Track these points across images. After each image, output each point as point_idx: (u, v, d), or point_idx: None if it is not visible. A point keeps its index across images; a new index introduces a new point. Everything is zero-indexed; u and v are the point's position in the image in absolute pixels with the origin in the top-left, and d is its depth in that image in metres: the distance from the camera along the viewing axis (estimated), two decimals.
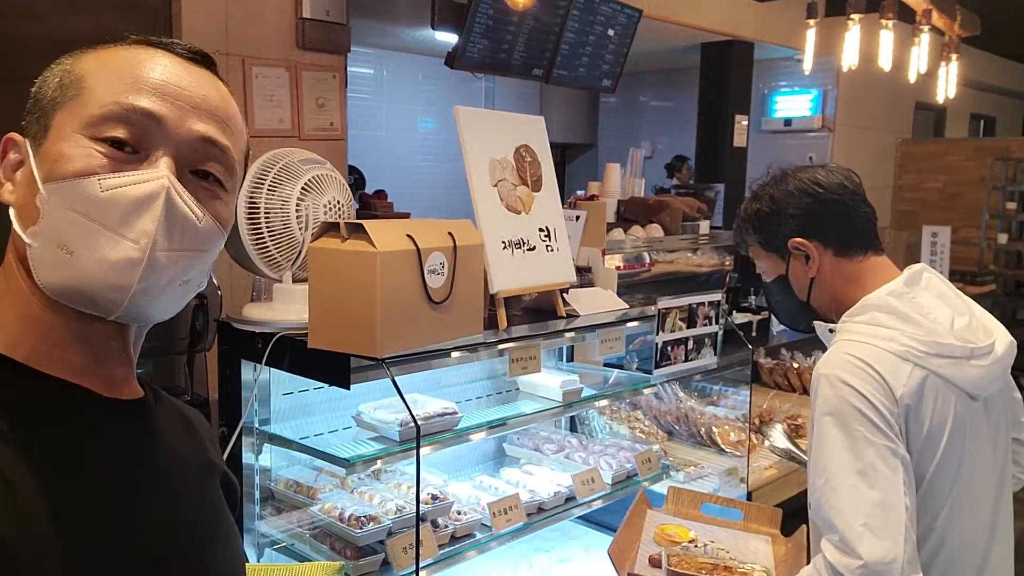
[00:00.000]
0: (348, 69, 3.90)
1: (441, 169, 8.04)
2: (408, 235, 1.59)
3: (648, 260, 3.43)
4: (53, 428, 0.72)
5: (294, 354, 1.71)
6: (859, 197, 1.53)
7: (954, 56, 5.60)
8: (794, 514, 2.02)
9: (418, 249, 1.59)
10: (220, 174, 0.78)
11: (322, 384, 2.04)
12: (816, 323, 1.57)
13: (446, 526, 1.86)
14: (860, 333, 1.39)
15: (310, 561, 1.75)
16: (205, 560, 0.80)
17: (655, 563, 1.74)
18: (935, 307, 1.41)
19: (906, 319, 1.37)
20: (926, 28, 5.14)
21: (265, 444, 1.89)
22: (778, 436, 2.11)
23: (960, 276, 6.77)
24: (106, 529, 0.71)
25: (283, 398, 1.96)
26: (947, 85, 5.70)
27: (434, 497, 1.87)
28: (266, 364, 1.74)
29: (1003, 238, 7.42)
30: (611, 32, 4.92)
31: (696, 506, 2.03)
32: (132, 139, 0.73)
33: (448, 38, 6.17)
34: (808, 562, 1.39)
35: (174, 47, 0.78)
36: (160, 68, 0.75)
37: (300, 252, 1.82)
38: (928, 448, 1.33)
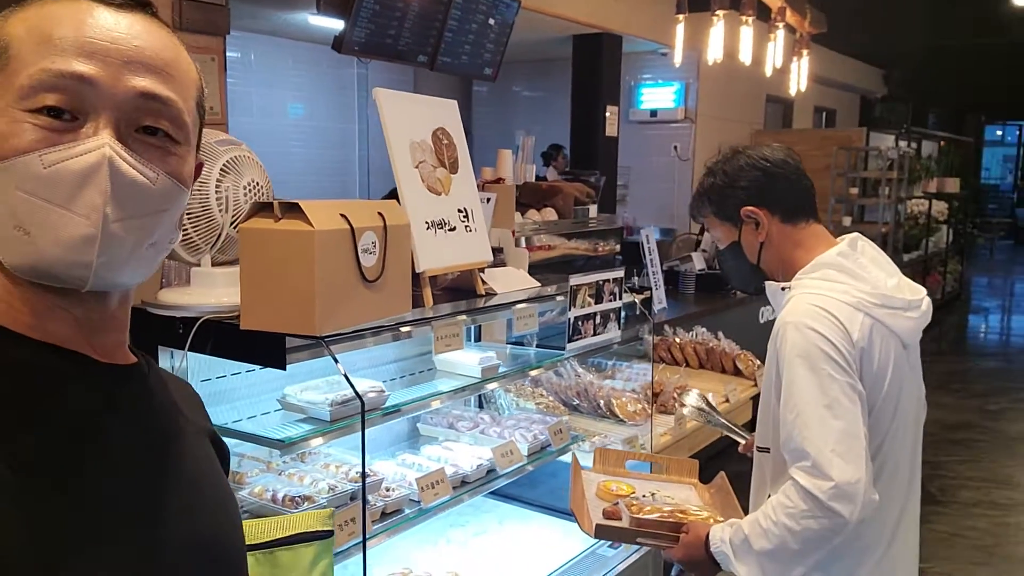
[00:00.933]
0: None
1: (313, 156, 7.88)
2: (342, 214, 1.60)
3: (542, 244, 3.54)
4: (59, 392, 0.71)
5: (221, 337, 1.68)
6: (800, 171, 1.70)
7: (805, 52, 6.06)
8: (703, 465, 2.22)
9: (352, 228, 1.60)
10: (168, 128, 0.74)
11: (239, 371, 2.01)
12: (767, 283, 1.71)
13: (377, 503, 1.89)
14: (817, 287, 1.57)
15: None
16: (216, 519, 0.81)
17: (611, 515, 1.84)
18: (872, 268, 1.60)
19: (855, 276, 1.57)
20: (781, 25, 5.53)
21: None
22: (697, 398, 2.28)
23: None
24: (128, 496, 0.72)
25: (201, 385, 1.92)
26: (799, 79, 6.16)
27: (363, 475, 1.88)
28: (189, 350, 1.71)
29: (847, 220, 8.11)
30: (492, 22, 5.00)
31: (622, 464, 2.16)
32: (67, 106, 0.69)
33: (321, 22, 6.05)
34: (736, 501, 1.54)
35: None
36: (88, 23, 0.71)
37: (220, 235, 1.78)
38: (875, 385, 1.53)
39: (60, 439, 0.69)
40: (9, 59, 0.70)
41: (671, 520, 1.76)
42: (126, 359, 0.80)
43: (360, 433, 1.69)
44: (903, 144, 8.96)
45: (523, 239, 3.33)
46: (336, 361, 1.56)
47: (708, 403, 2.27)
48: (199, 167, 0.82)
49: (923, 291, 1.66)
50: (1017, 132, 22.15)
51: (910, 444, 1.64)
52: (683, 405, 2.36)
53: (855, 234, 1.69)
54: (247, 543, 0.93)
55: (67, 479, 0.68)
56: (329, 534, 1.13)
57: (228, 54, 7.13)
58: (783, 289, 1.66)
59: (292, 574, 1.09)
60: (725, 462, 2.51)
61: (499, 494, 2.76)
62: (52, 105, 0.69)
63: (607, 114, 6.98)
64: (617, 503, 1.87)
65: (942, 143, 11.74)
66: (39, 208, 0.69)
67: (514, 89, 9.08)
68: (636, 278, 4.48)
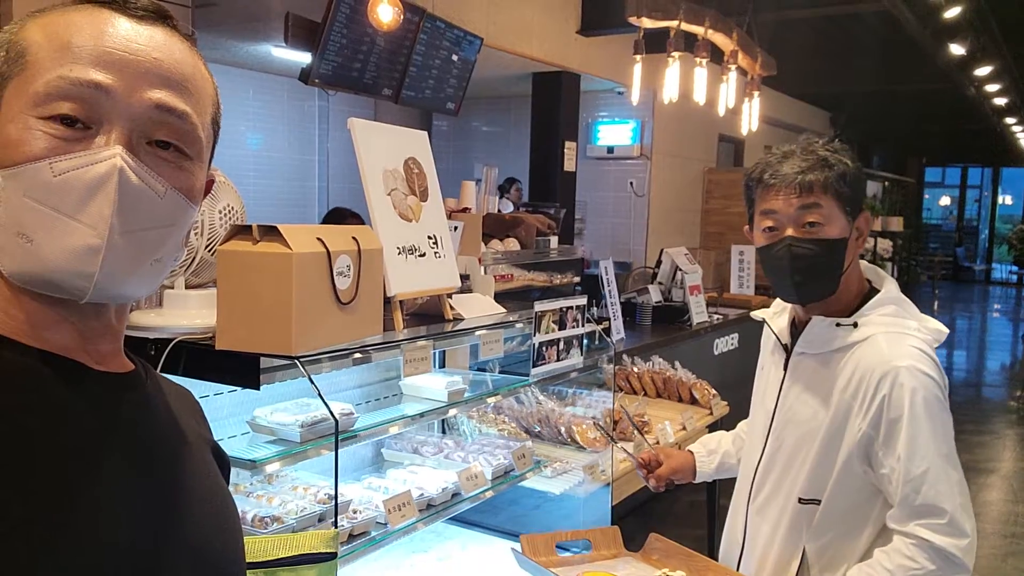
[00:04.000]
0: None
1: (272, 187, 7.88)
2: (318, 238, 1.65)
3: (504, 274, 3.61)
4: (55, 400, 0.70)
5: (194, 359, 1.71)
6: None
7: (756, 93, 6.29)
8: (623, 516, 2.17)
9: (328, 251, 1.65)
10: (182, 143, 0.74)
11: (207, 393, 2.02)
12: (816, 319, 1.57)
13: (344, 525, 1.91)
14: (898, 326, 1.51)
15: None
16: (215, 527, 0.81)
17: None
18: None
19: (912, 314, 1.54)
20: (733, 67, 5.75)
21: None
22: (668, 430, 2.37)
23: (764, 290, 7.55)
24: (126, 504, 0.71)
25: None
26: (750, 119, 6.38)
27: (330, 496, 1.91)
28: (161, 371, 1.72)
29: None
30: (455, 57, 5.11)
31: (552, 548, 2.02)
32: (81, 114, 0.69)
33: (285, 54, 6.10)
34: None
35: (125, 5, 0.73)
36: (107, 33, 0.70)
37: (195, 258, 1.82)
38: None
39: (57, 447, 0.68)
40: (26, 64, 0.69)
41: None
42: (123, 367, 0.79)
43: (333, 454, 1.72)
44: None
45: (486, 267, 3.39)
46: (311, 380, 1.59)
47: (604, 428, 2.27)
48: (210, 183, 0.82)
49: None
50: (959, 174, 23.06)
51: None
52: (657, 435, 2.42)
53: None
54: (248, 561, 0.92)
55: (65, 487, 0.67)
56: (332, 556, 1.12)
57: None
58: (838, 325, 1.54)
59: None
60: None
61: (462, 520, 2.79)
62: (66, 113, 0.68)
63: (566, 149, 7.13)
64: None
65: (886, 183, 12.19)
66: (45, 216, 0.68)
67: (473, 124, 9.21)
68: (595, 309, 4.56)
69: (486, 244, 3.65)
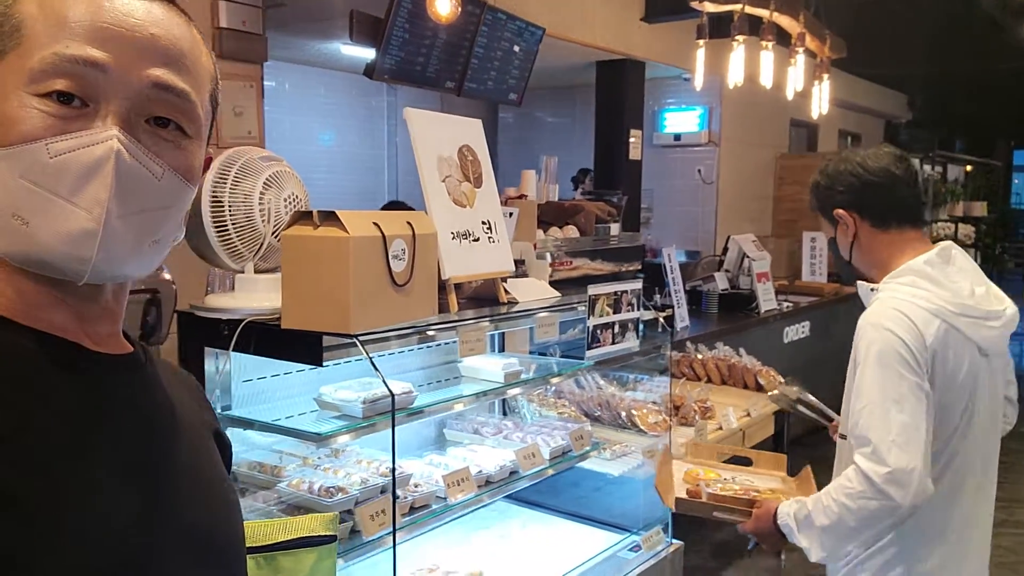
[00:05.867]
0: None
1: (343, 182, 8.08)
2: (374, 223, 1.73)
3: (551, 261, 3.65)
4: (52, 380, 0.70)
5: (263, 338, 1.81)
6: (901, 179, 1.78)
7: (825, 76, 6.14)
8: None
9: (384, 235, 1.73)
10: (181, 121, 0.72)
11: (278, 372, 2.14)
12: (859, 283, 1.85)
13: (406, 497, 1.99)
14: (902, 292, 1.69)
15: None
16: (212, 511, 0.80)
17: (693, 495, 2.04)
18: (959, 277, 1.71)
19: (938, 283, 1.68)
20: (801, 50, 5.63)
21: (228, 429, 1.96)
22: (730, 416, 2.47)
23: (836, 277, 7.37)
24: (122, 484, 0.70)
25: (243, 386, 2.05)
26: (820, 102, 6.24)
27: (393, 470, 1.99)
28: (233, 350, 1.83)
29: None
30: (517, 48, 5.16)
31: (713, 456, 2.35)
32: (78, 91, 0.67)
33: (354, 52, 6.26)
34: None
35: None
36: (104, 7, 0.68)
37: (262, 244, 1.92)
38: (946, 387, 1.65)
39: (54, 426, 0.67)
40: (22, 39, 0.67)
41: (745, 497, 1.94)
42: (121, 348, 0.78)
43: (390, 430, 1.81)
44: (927, 168, 8.97)
45: (546, 255, 3.43)
46: (368, 357, 1.67)
47: (801, 397, 2.34)
48: (208, 161, 0.80)
49: (1007, 301, 1.75)
50: None
51: (982, 449, 1.74)
52: (777, 389, 2.53)
53: (948, 243, 1.79)
54: (248, 545, 0.91)
55: (61, 466, 0.66)
56: (332, 539, 1.09)
57: (264, 83, 7.42)
58: (872, 290, 1.79)
59: None
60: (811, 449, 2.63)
61: (523, 500, 2.85)
62: (61, 90, 0.67)
63: (631, 138, 7.10)
64: (699, 484, 2.07)
65: (968, 167, 11.70)
66: (41, 198, 0.67)
67: (538, 115, 9.24)
68: (658, 297, 4.56)
69: (545, 232, 3.70)
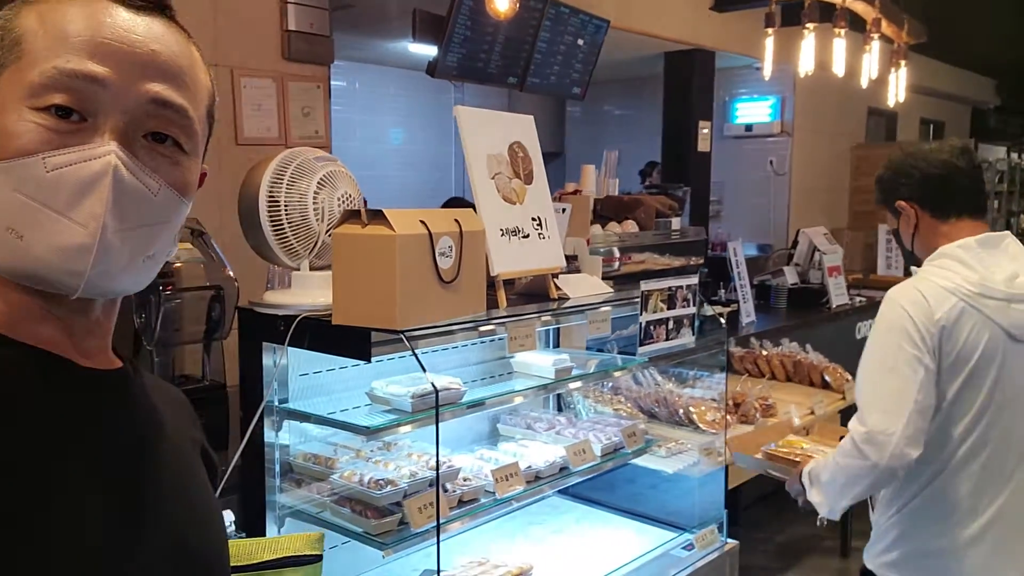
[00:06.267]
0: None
1: (411, 179, 8.20)
2: (421, 220, 1.76)
3: (619, 256, 3.63)
4: (39, 394, 0.70)
5: (315, 333, 1.87)
6: (962, 170, 1.85)
7: (903, 62, 5.92)
8: None
9: (430, 233, 1.76)
10: (178, 137, 0.73)
11: (333, 367, 2.20)
12: (912, 267, 1.94)
13: (454, 491, 2.03)
14: (929, 272, 1.80)
15: (332, 525, 1.91)
16: (196, 529, 0.79)
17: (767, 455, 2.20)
18: (1000, 263, 1.76)
19: (966, 265, 1.75)
20: (876, 36, 5.44)
21: (285, 421, 2.04)
22: (793, 414, 2.50)
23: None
24: (107, 501, 0.70)
25: (299, 379, 2.11)
26: (897, 90, 6.02)
27: (442, 464, 2.03)
28: (288, 344, 1.90)
29: None
30: (580, 42, 5.14)
31: (836, 437, 2.32)
32: (76, 106, 0.67)
33: (421, 50, 6.34)
34: None
35: None
36: (105, 23, 0.69)
37: (317, 242, 1.98)
38: (957, 363, 1.70)
39: (36, 442, 0.67)
40: (22, 53, 0.68)
41: (794, 459, 2.06)
42: (110, 363, 0.78)
43: (432, 430, 1.84)
44: (1015, 156, 8.55)
45: (614, 251, 3.41)
46: (414, 353, 1.71)
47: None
48: (203, 177, 0.80)
49: None
50: None
51: (1017, 438, 1.74)
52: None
53: (1006, 232, 1.87)
54: (232, 564, 0.91)
55: (46, 482, 0.66)
56: (318, 559, 1.08)
57: (334, 83, 7.58)
58: (914, 272, 1.88)
59: None
60: None
61: (578, 496, 2.86)
62: (60, 104, 0.67)
63: (701, 130, 6.99)
64: (770, 445, 2.21)
65: None
66: (36, 212, 0.67)
67: (605, 108, 9.18)
68: (723, 292, 4.49)
69: (604, 226, 3.69)
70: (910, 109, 9.42)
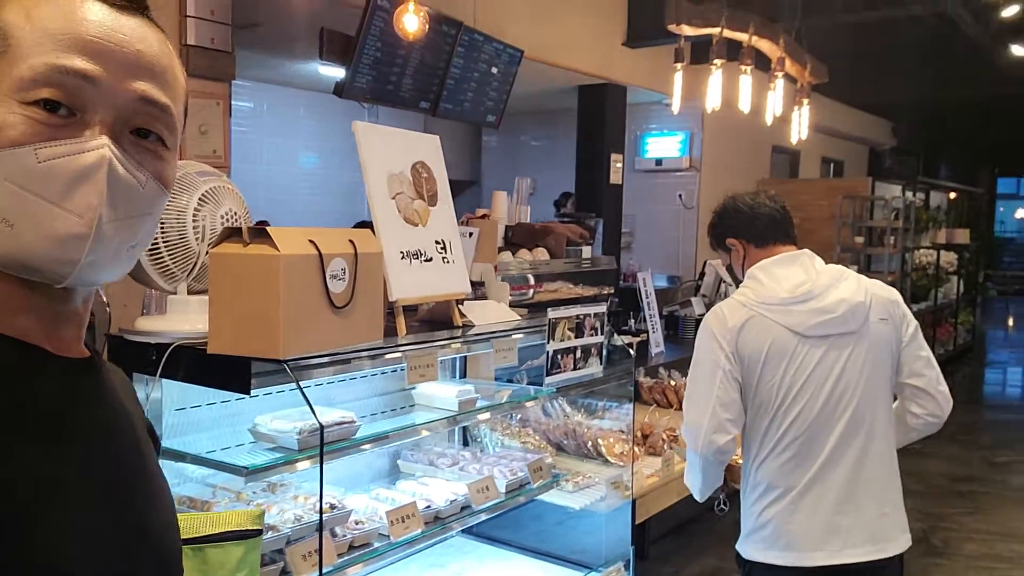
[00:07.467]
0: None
1: (323, 204, 7.97)
2: (311, 240, 1.63)
3: (532, 282, 3.56)
4: (24, 386, 0.71)
5: (192, 363, 1.70)
6: (772, 209, 2.14)
7: (805, 101, 6.12)
8: None
9: (320, 254, 1.62)
10: (162, 132, 0.76)
11: (215, 401, 2.02)
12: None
13: (344, 535, 1.87)
14: (734, 292, 2.10)
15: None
16: (162, 509, 0.82)
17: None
18: (790, 275, 2.01)
19: (757, 281, 2.03)
20: (780, 75, 5.60)
21: (159, 461, 1.84)
22: None
23: None
24: (94, 489, 0.72)
25: (176, 415, 1.93)
26: (800, 128, 6.21)
27: (332, 506, 1.87)
28: (161, 376, 1.72)
29: (852, 269, 8.07)
30: (494, 70, 5.10)
31: None
32: (65, 101, 0.69)
33: (332, 72, 6.19)
34: None
35: None
36: (92, 20, 0.71)
37: (196, 263, 1.81)
38: (751, 360, 1.95)
39: (26, 432, 0.68)
40: (8, 47, 0.69)
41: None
42: (81, 353, 0.79)
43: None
44: (909, 194, 8.97)
45: (529, 278, 3.34)
46: (298, 384, 1.56)
47: None
48: None
49: (848, 294, 1.97)
50: None
51: (827, 424, 1.93)
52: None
53: (801, 251, 2.08)
54: None
55: (35, 473, 0.68)
56: (258, 533, 1.14)
57: (240, 103, 7.34)
58: None
59: (220, 571, 1.09)
60: None
61: (482, 536, 2.73)
62: (48, 98, 0.69)
63: (614, 163, 7.04)
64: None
65: (952, 195, 11.72)
66: (28, 202, 0.68)
67: (522, 139, 9.19)
68: (632, 321, 4.47)
69: (514, 253, 3.60)
70: (812, 148, 9.79)
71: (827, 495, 1.92)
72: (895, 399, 2.08)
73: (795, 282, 1.99)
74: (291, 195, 7.76)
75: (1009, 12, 6.02)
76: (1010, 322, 15.65)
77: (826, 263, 2.11)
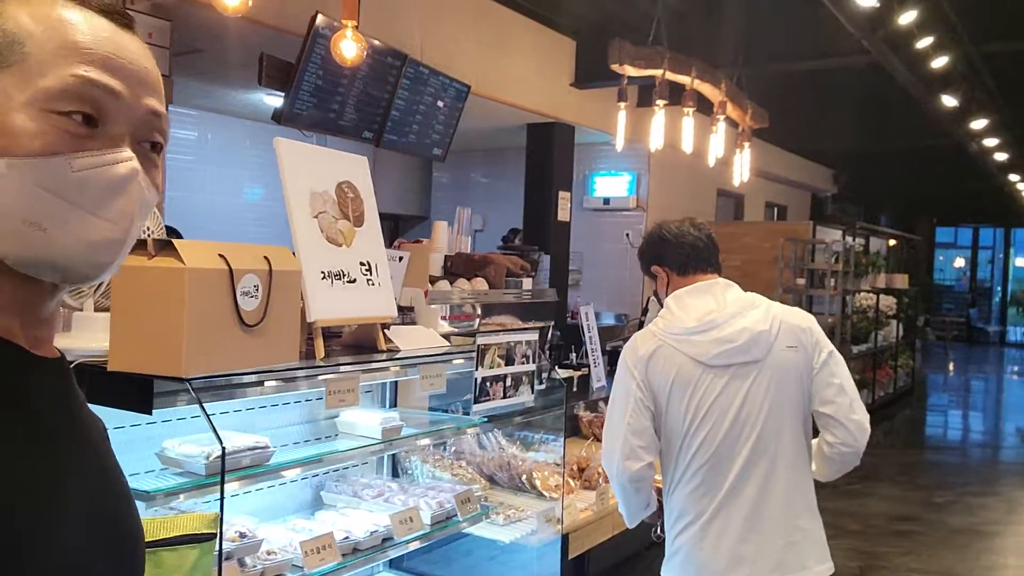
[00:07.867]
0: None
1: (268, 235, 7.85)
2: (220, 255, 1.57)
3: (472, 312, 3.52)
4: (15, 384, 0.72)
5: (92, 382, 1.61)
6: (696, 237, 2.14)
7: (747, 144, 6.25)
8: None
9: (230, 269, 1.56)
10: (160, 143, 0.79)
11: (123, 424, 1.92)
12: None
13: (255, 565, 1.78)
14: (651, 322, 2.09)
15: None
16: (130, 506, 0.83)
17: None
18: (700, 304, 2.02)
19: (669, 310, 2.06)
20: (722, 118, 5.72)
21: None
22: None
23: None
24: (78, 487, 0.73)
25: None
26: (741, 170, 6.33)
27: (242, 535, 1.79)
28: None
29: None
30: (441, 104, 5.11)
31: None
32: (95, 113, 0.72)
33: (276, 101, 6.15)
34: None
35: (104, 6, 0.76)
36: (108, 39, 0.74)
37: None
38: (660, 386, 1.98)
39: (15, 431, 0.69)
40: (26, 55, 0.70)
41: None
42: (52, 352, 0.79)
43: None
44: (849, 239, 9.19)
45: (475, 308, 3.30)
46: (201, 404, 1.49)
47: None
48: None
49: (751, 323, 1.97)
50: (971, 235, 22.89)
51: (733, 449, 1.95)
52: None
53: (715, 280, 2.09)
54: None
55: (24, 472, 0.68)
56: (212, 536, 1.16)
57: (183, 133, 7.24)
58: None
59: (176, 574, 1.11)
60: None
61: (411, 571, 2.64)
62: (87, 112, 0.71)
63: (559, 199, 7.09)
64: None
65: (891, 241, 12.07)
66: (62, 208, 0.71)
67: (471, 175, 9.23)
68: (574, 356, 4.45)
69: (452, 283, 3.57)
70: (756, 192, 10.01)
71: (733, 522, 1.93)
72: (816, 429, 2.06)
73: (703, 311, 2.01)
74: (235, 226, 7.63)
75: (938, 63, 6.25)
76: (949, 366, 16.06)
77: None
